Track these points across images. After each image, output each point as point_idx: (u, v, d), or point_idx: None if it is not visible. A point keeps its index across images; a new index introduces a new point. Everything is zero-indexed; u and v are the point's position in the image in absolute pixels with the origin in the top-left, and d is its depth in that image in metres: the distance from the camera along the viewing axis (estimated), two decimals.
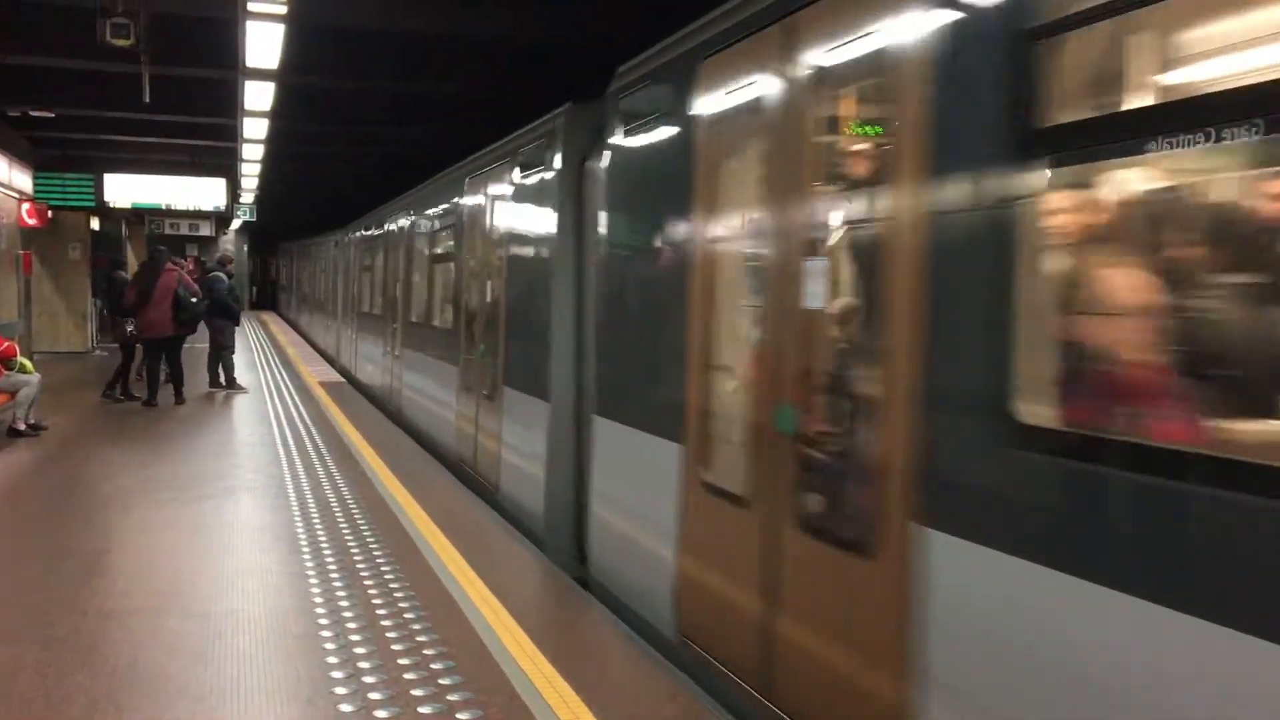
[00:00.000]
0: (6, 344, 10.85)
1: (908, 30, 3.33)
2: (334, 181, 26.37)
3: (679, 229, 4.98)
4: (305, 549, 6.38)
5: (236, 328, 15.77)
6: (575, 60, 10.74)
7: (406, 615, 5.15)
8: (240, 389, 15.12)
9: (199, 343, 15.50)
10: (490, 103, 13.88)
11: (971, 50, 3.07)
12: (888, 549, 3.33)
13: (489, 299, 8.73)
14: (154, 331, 13.60)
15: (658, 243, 5.25)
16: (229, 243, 43.38)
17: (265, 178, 23.45)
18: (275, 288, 47.14)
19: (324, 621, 5.04)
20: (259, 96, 12.59)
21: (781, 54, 4.10)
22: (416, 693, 4.19)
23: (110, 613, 5.21)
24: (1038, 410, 2.81)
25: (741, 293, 4.62)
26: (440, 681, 4.31)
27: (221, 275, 15.52)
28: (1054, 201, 2.84)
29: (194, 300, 13.90)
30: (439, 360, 10.63)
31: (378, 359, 15.02)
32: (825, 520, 3.85)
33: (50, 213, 19.11)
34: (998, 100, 2.93)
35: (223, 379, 15.16)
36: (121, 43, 8.73)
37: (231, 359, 15.47)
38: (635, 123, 5.57)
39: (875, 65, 3.63)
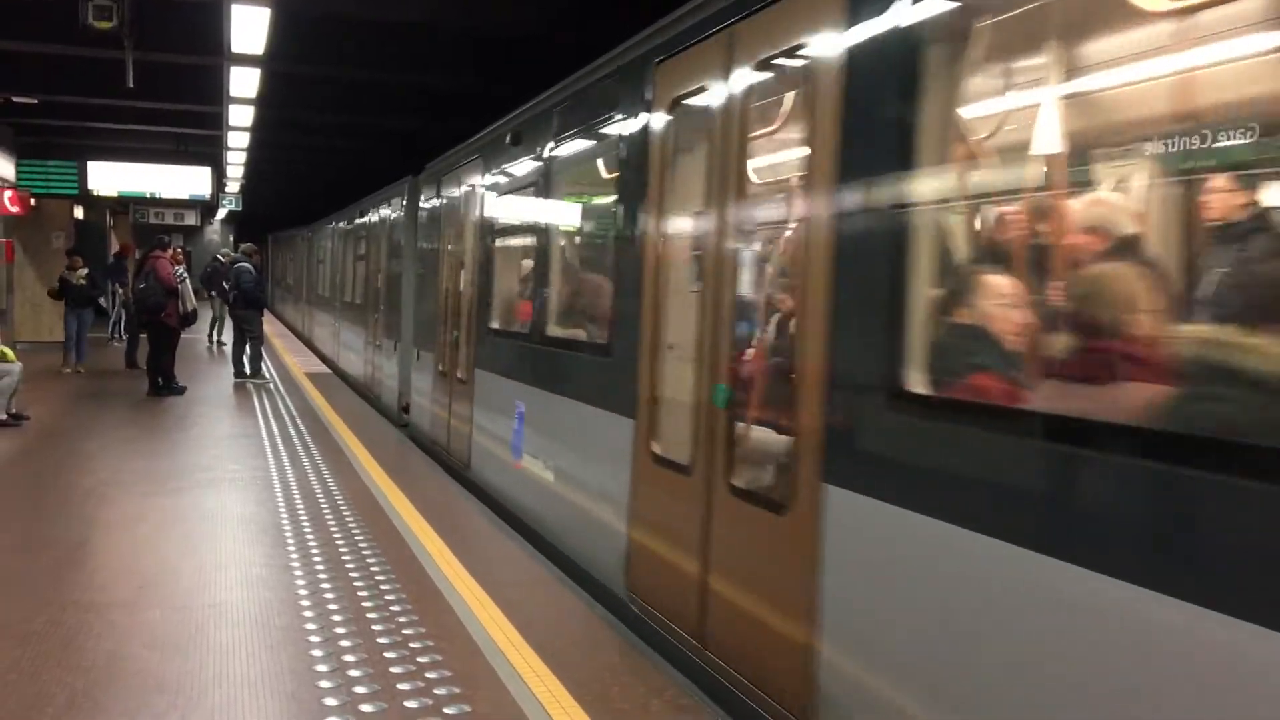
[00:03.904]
0: None
1: None
2: (323, 171, 26.17)
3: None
4: (290, 541, 6.29)
5: (261, 317, 15.65)
6: (554, 51, 10.64)
7: (393, 608, 5.08)
8: (263, 379, 14.94)
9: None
10: (476, 94, 13.76)
11: None
12: None
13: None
14: None
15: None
16: (214, 232, 43.08)
17: (252, 166, 23.28)
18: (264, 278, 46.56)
19: (308, 614, 4.96)
20: (245, 83, 12.46)
21: None
22: (402, 686, 4.12)
23: (90, 605, 5.11)
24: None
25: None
26: (427, 675, 4.24)
27: (248, 266, 15.33)
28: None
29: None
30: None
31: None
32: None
33: (33, 200, 18.89)
34: None
35: (248, 368, 14.92)
36: (104, 25, 8.62)
37: (260, 348, 15.29)
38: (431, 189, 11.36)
39: None
